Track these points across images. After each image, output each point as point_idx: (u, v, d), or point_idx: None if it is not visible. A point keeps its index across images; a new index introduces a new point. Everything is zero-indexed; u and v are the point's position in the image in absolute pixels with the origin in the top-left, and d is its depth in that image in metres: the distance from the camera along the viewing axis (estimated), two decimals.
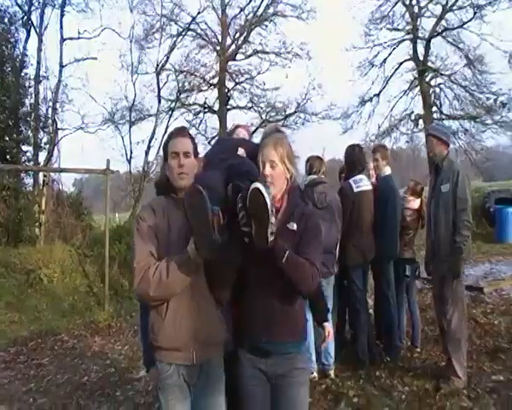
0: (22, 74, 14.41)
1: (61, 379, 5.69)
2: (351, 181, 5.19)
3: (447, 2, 21.11)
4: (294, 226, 2.51)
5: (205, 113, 21.67)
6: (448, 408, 4.11)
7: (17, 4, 15.31)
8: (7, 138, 13.06)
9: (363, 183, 5.16)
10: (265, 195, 2.20)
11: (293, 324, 2.56)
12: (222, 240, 2.26)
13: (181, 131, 2.65)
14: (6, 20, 14.38)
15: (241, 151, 2.89)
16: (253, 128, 17.52)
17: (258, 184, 2.23)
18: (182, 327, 2.44)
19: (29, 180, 13.82)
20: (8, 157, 12.89)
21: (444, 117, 21.85)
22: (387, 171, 5.42)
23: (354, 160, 5.29)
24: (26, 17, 15.46)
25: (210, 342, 2.52)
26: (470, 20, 20.52)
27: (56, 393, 5.29)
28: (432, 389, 4.49)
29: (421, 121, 21.90)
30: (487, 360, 5.03)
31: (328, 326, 3.03)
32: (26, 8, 15.67)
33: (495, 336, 5.73)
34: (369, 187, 5.22)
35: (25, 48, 15.14)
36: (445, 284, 4.56)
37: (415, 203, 5.56)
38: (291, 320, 2.54)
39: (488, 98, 20.61)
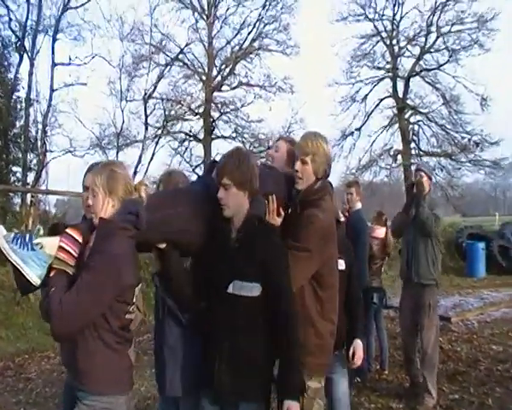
0: (14, 97, 14.81)
1: (49, 392, 5.92)
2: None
3: (425, 45, 22.32)
4: None
5: (190, 141, 22.14)
6: None
7: (11, 29, 15.80)
8: None
9: None
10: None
11: None
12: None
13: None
14: (0, 44, 14.84)
15: None
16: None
17: None
18: None
19: (17, 200, 14.09)
20: None
21: (422, 153, 22.68)
22: (359, 205, 5.78)
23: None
24: (19, 42, 15.91)
25: None
26: (446, 63, 21.87)
27: (45, 405, 5.53)
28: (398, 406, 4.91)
29: (399, 157, 22.67)
30: (446, 381, 5.45)
31: None
32: (20, 33, 16.15)
33: (456, 361, 6.17)
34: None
35: (17, 72, 15.65)
36: (421, 313, 4.89)
37: (381, 232, 5.93)
38: None
39: (463, 137, 21.64)
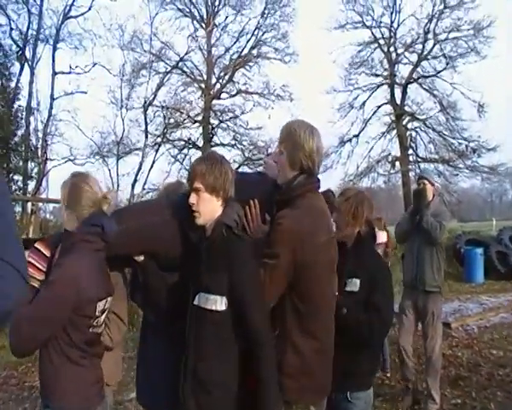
0: (15, 106, 14.90)
1: None
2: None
3: (422, 52, 22.54)
4: None
5: (189, 149, 22.25)
6: None
7: (12, 39, 15.91)
8: None
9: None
10: None
11: None
12: None
13: None
14: (1, 53, 14.94)
15: None
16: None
17: None
18: None
19: (18, 208, 14.12)
20: None
21: (419, 160, 22.79)
22: None
23: (334, 204, 5.78)
24: (20, 51, 16.02)
25: None
26: (443, 70, 22.04)
27: None
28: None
29: (397, 163, 22.80)
30: (449, 387, 5.52)
31: None
32: (21, 42, 16.26)
33: (457, 366, 6.23)
34: None
35: (18, 81, 15.78)
36: (425, 321, 4.94)
37: (383, 236, 5.90)
38: None
39: (460, 144, 21.77)
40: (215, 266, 2.15)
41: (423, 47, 22.54)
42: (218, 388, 2.14)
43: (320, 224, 2.39)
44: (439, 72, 22.21)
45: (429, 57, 22.56)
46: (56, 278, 2.05)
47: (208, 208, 2.23)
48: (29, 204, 13.56)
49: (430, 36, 22.20)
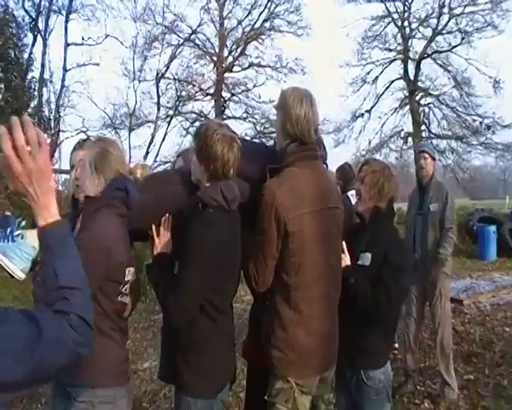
0: (28, 77, 14.88)
1: None
2: (349, 195, 5.53)
3: (437, 26, 22.12)
4: None
5: (201, 121, 22.12)
6: None
7: (24, 10, 15.84)
8: None
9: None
10: None
11: None
12: None
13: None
14: (14, 24, 14.88)
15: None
16: None
17: None
18: None
19: None
20: None
21: (432, 136, 22.60)
22: None
23: (350, 177, 5.68)
24: (33, 22, 15.95)
25: None
26: (458, 45, 21.66)
27: None
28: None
29: (410, 139, 22.64)
30: (462, 362, 5.56)
31: None
32: (34, 13, 16.19)
33: (470, 342, 6.26)
34: None
35: (31, 52, 15.72)
36: (433, 303, 4.74)
37: None
38: None
39: (474, 120, 21.53)
40: (183, 236, 2.14)
41: (438, 21, 22.14)
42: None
43: (303, 193, 2.27)
44: (454, 47, 21.83)
45: (444, 32, 22.16)
46: (86, 244, 1.90)
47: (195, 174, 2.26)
48: None
49: (445, 10, 21.76)
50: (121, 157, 2.26)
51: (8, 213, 2.24)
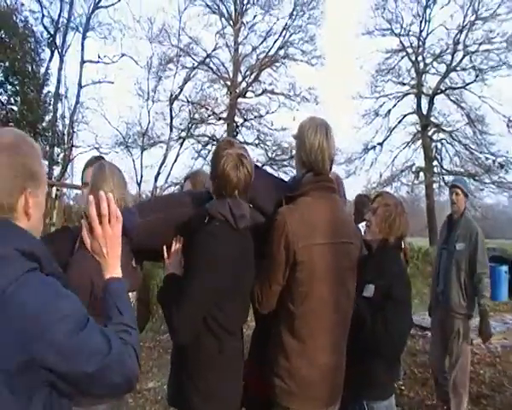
0: (44, 91, 15.04)
1: None
2: (360, 226, 5.53)
3: (451, 63, 22.11)
4: None
5: (213, 145, 22.17)
6: None
7: (43, 26, 16.11)
8: None
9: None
10: None
11: None
12: None
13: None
14: (32, 39, 15.08)
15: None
16: None
17: None
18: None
19: None
20: None
21: (444, 172, 22.45)
22: None
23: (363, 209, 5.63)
24: (50, 38, 16.19)
25: None
26: (472, 82, 21.53)
27: None
28: None
29: (421, 174, 22.47)
30: (471, 404, 5.38)
31: None
32: (52, 29, 16.44)
33: (479, 383, 6.09)
34: None
35: (48, 67, 15.96)
36: (452, 340, 4.64)
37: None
38: None
39: (487, 158, 21.24)
40: (189, 246, 2.20)
41: (452, 58, 22.12)
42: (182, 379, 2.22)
43: (316, 224, 2.27)
44: (468, 84, 21.76)
45: (458, 68, 22.13)
46: (71, 277, 1.92)
47: None
48: (53, 189, 13.64)
49: (460, 47, 21.78)
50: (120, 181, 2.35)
51: None
